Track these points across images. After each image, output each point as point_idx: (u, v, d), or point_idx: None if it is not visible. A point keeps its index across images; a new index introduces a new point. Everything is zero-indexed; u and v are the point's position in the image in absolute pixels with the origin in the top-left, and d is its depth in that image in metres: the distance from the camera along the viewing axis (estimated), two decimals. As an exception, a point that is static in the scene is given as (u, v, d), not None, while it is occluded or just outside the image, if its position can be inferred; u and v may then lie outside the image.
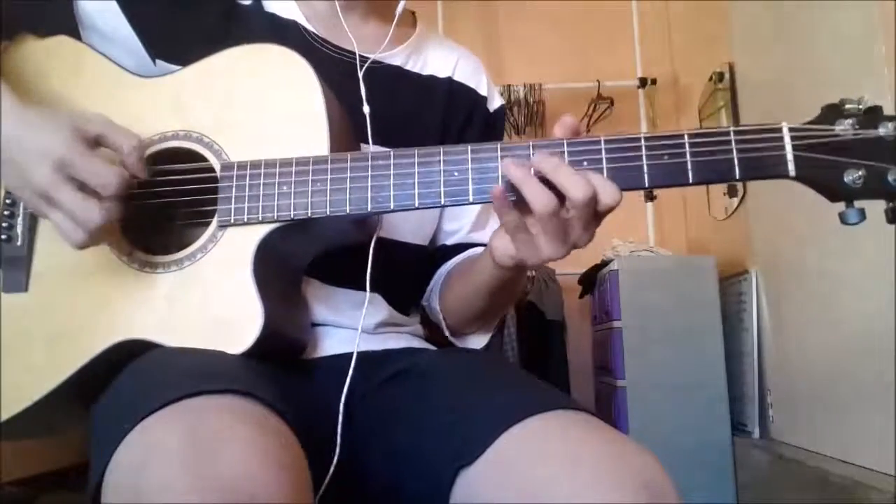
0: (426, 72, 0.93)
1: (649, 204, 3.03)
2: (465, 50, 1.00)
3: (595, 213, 0.65)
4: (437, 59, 0.95)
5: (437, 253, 0.95)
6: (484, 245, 0.93)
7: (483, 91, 0.97)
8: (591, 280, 2.71)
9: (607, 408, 2.42)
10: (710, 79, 2.50)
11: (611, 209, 0.65)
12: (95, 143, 0.70)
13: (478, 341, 0.93)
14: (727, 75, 2.42)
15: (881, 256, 1.48)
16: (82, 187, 0.67)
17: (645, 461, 0.58)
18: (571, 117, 0.69)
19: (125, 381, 0.65)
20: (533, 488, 0.57)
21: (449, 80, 0.94)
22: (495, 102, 0.99)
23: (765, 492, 2.05)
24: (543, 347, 2.66)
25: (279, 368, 0.69)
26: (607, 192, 0.65)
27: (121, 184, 0.67)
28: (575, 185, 0.63)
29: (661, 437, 2.18)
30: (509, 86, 2.97)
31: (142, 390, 0.58)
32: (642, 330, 2.29)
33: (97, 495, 0.52)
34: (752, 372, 2.19)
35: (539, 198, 0.64)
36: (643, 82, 3.09)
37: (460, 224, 0.94)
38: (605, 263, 2.56)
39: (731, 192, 2.45)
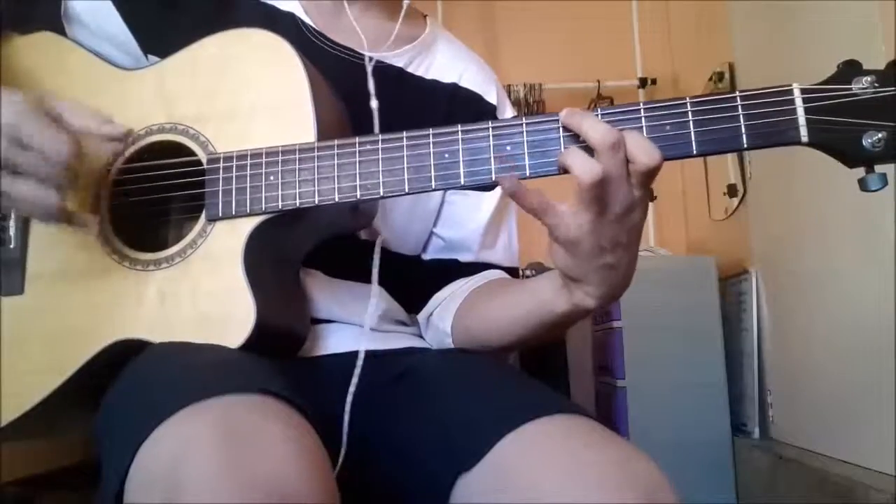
0: (429, 76, 0.91)
1: (649, 204, 3.01)
2: (478, 58, 0.97)
3: (628, 176, 0.61)
4: (444, 63, 0.92)
5: (446, 267, 0.91)
6: (502, 266, 0.91)
7: (492, 100, 0.94)
8: (591, 280, 2.70)
9: (607, 408, 2.42)
10: (710, 79, 2.50)
11: (649, 171, 0.61)
12: (55, 119, 0.67)
13: None
14: (727, 75, 2.41)
15: (881, 256, 1.48)
16: (41, 153, 0.64)
17: (648, 468, 0.58)
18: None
19: (139, 379, 0.64)
20: (533, 494, 0.56)
21: (454, 85, 0.91)
22: (507, 113, 0.95)
23: (765, 492, 2.04)
24: (543, 347, 2.66)
25: (282, 366, 0.69)
26: (640, 145, 0.60)
27: (73, 148, 0.65)
28: (595, 130, 0.60)
29: (661, 437, 2.17)
30: (509, 86, 2.96)
31: (164, 387, 0.58)
32: (642, 330, 2.28)
33: (120, 491, 0.51)
34: (752, 372, 2.19)
35: (579, 162, 0.60)
36: (643, 82, 3.08)
37: (464, 233, 0.90)
38: (605, 263, 2.55)
39: (731, 193, 2.44)
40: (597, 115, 0.64)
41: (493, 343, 0.82)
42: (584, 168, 0.60)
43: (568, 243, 0.64)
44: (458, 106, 0.91)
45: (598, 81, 3.01)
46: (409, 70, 0.90)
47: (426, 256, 0.92)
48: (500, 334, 0.81)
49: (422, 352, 0.86)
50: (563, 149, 0.64)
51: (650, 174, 0.61)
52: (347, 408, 0.70)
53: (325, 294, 0.82)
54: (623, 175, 0.61)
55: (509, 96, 2.97)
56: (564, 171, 0.63)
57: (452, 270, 0.90)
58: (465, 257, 0.90)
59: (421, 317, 0.91)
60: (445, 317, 0.86)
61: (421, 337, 0.91)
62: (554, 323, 0.74)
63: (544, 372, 2.58)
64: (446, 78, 0.92)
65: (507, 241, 0.93)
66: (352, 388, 0.71)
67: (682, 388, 2.23)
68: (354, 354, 0.74)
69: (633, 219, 0.64)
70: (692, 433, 2.19)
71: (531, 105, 3.02)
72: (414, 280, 0.90)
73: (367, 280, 0.77)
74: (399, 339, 0.86)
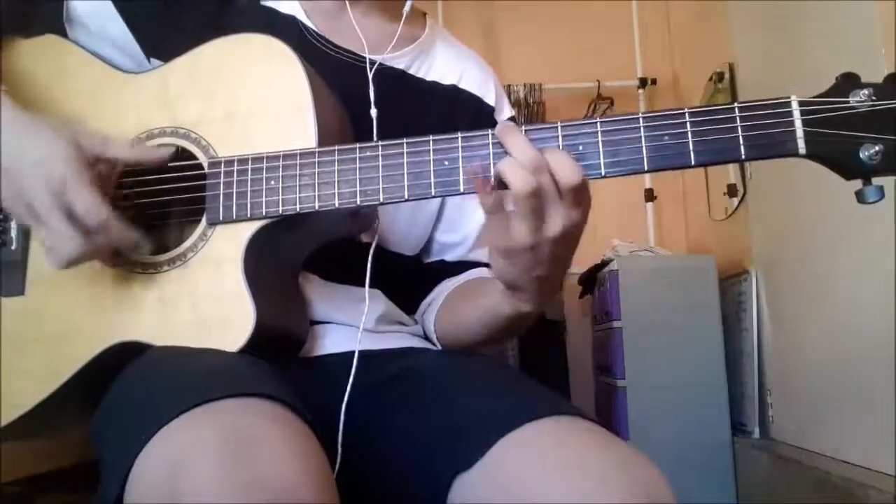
0: (430, 77, 0.91)
1: (649, 204, 3.02)
2: (477, 57, 0.97)
3: (560, 196, 0.62)
4: (444, 64, 0.92)
5: (435, 268, 0.92)
6: (487, 265, 0.92)
7: (491, 101, 0.94)
8: (591, 280, 2.71)
9: (607, 408, 2.42)
10: (710, 79, 2.50)
11: (573, 189, 0.61)
12: (94, 161, 0.69)
13: None
14: (727, 75, 2.41)
15: (881, 256, 1.48)
16: (71, 216, 0.66)
17: (648, 470, 0.58)
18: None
19: (138, 383, 0.64)
20: (533, 496, 0.56)
21: (454, 87, 0.91)
22: (505, 112, 0.95)
23: (765, 492, 2.04)
24: (543, 347, 2.65)
25: (282, 367, 0.69)
26: (563, 165, 0.61)
27: (104, 222, 0.67)
28: (521, 152, 0.62)
29: (661, 436, 2.17)
30: (509, 86, 2.96)
31: (164, 392, 0.58)
32: (642, 330, 2.29)
33: (121, 494, 0.51)
34: (752, 372, 2.19)
35: (515, 172, 0.61)
36: (643, 82, 3.09)
37: (459, 237, 0.91)
38: (605, 263, 2.56)
39: (731, 193, 2.44)
40: (596, 122, 0.64)
41: (464, 342, 0.84)
42: (517, 178, 0.61)
43: (507, 253, 0.65)
44: (458, 108, 0.91)
45: (598, 81, 3.02)
46: (411, 72, 0.90)
47: (427, 259, 0.93)
48: (467, 334, 0.83)
49: (420, 352, 0.86)
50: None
51: (576, 191, 0.62)
52: (343, 412, 0.70)
53: (323, 298, 0.82)
54: (554, 192, 0.62)
55: (509, 97, 2.97)
56: (500, 181, 0.64)
57: (441, 271, 0.91)
58: (450, 257, 0.91)
59: (417, 317, 0.92)
60: (431, 317, 0.88)
61: (420, 337, 0.91)
62: (503, 325, 0.76)
63: (544, 372, 2.58)
64: (446, 80, 0.92)
65: None
66: (347, 392, 0.71)
67: (682, 388, 2.23)
68: (351, 354, 0.74)
69: (572, 238, 0.65)
70: (692, 433, 2.20)
71: (531, 105, 3.02)
72: (412, 281, 0.90)
73: (365, 284, 0.77)
74: (397, 339, 0.86)
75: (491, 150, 0.66)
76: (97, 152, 0.69)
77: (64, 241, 0.67)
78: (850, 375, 1.68)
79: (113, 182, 0.73)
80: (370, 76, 0.82)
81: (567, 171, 0.61)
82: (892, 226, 1.42)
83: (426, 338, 0.92)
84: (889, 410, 1.48)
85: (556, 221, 0.63)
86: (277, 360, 0.70)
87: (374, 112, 0.80)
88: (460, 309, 0.84)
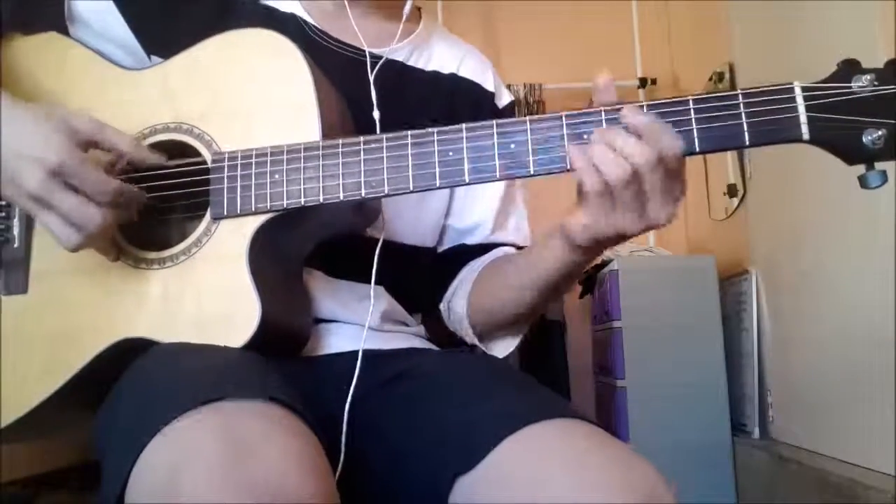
0: (430, 67, 0.92)
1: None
2: (472, 47, 0.98)
3: (666, 173, 0.63)
4: (442, 54, 0.93)
5: (455, 253, 0.92)
6: (514, 245, 0.93)
7: (490, 87, 0.95)
8: (591, 280, 2.70)
9: (607, 408, 2.42)
10: (710, 79, 2.50)
11: (678, 159, 0.62)
12: (89, 145, 0.69)
13: (504, 347, 0.91)
14: (727, 75, 2.41)
15: (881, 256, 1.48)
16: (78, 192, 0.66)
17: (648, 472, 0.58)
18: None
19: (140, 383, 0.64)
20: (532, 496, 0.57)
21: (453, 75, 0.93)
22: (504, 99, 0.97)
23: (765, 492, 2.04)
24: (543, 347, 2.66)
25: (284, 365, 0.69)
26: (664, 138, 0.62)
27: (116, 190, 0.67)
28: (632, 146, 0.63)
29: (660, 437, 2.17)
30: (509, 86, 2.94)
31: (165, 392, 0.58)
32: (642, 330, 2.28)
33: (121, 495, 0.51)
34: (752, 372, 2.19)
35: (610, 167, 0.62)
36: (643, 82, 3.08)
37: (474, 221, 0.92)
38: (605, 263, 2.56)
39: (731, 193, 2.44)
40: (600, 112, 0.65)
41: (508, 313, 0.85)
42: (612, 167, 0.63)
43: (605, 194, 0.64)
44: (459, 96, 0.92)
45: (599, 81, 3.01)
46: (410, 63, 0.91)
47: (444, 247, 0.94)
48: (506, 307, 0.84)
49: (422, 352, 0.86)
50: (566, 147, 0.65)
51: (679, 162, 0.64)
52: (346, 412, 0.70)
53: (327, 294, 0.82)
54: (660, 173, 0.64)
55: (509, 96, 2.97)
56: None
57: (462, 254, 0.92)
58: (471, 240, 0.92)
59: (442, 305, 0.93)
60: (461, 300, 0.88)
61: (422, 337, 0.92)
62: (557, 284, 0.78)
63: (544, 372, 2.58)
64: (446, 69, 0.93)
65: (517, 223, 0.95)
66: (351, 393, 0.71)
67: (682, 388, 2.23)
68: (355, 354, 0.74)
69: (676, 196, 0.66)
70: (692, 433, 2.19)
71: (531, 105, 3.02)
72: (429, 272, 0.91)
73: (370, 280, 0.77)
74: (400, 340, 0.86)
75: (495, 140, 0.66)
76: (92, 136, 0.69)
77: (77, 218, 0.66)
78: (850, 375, 1.68)
79: (116, 172, 0.73)
80: (371, 78, 0.83)
81: (669, 142, 0.63)
82: (892, 226, 1.42)
83: (428, 338, 0.92)
84: (889, 410, 1.47)
85: (664, 206, 0.64)
86: (281, 357, 0.70)
87: (376, 114, 0.81)
88: (501, 282, 0.84)
